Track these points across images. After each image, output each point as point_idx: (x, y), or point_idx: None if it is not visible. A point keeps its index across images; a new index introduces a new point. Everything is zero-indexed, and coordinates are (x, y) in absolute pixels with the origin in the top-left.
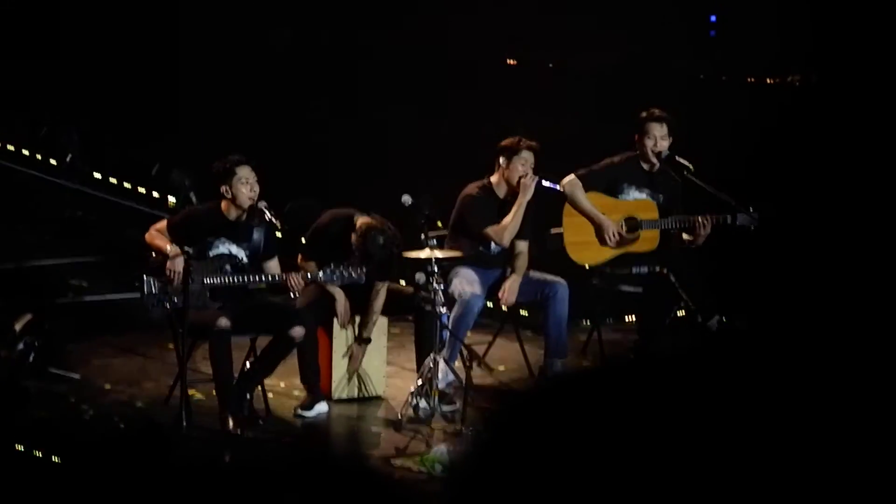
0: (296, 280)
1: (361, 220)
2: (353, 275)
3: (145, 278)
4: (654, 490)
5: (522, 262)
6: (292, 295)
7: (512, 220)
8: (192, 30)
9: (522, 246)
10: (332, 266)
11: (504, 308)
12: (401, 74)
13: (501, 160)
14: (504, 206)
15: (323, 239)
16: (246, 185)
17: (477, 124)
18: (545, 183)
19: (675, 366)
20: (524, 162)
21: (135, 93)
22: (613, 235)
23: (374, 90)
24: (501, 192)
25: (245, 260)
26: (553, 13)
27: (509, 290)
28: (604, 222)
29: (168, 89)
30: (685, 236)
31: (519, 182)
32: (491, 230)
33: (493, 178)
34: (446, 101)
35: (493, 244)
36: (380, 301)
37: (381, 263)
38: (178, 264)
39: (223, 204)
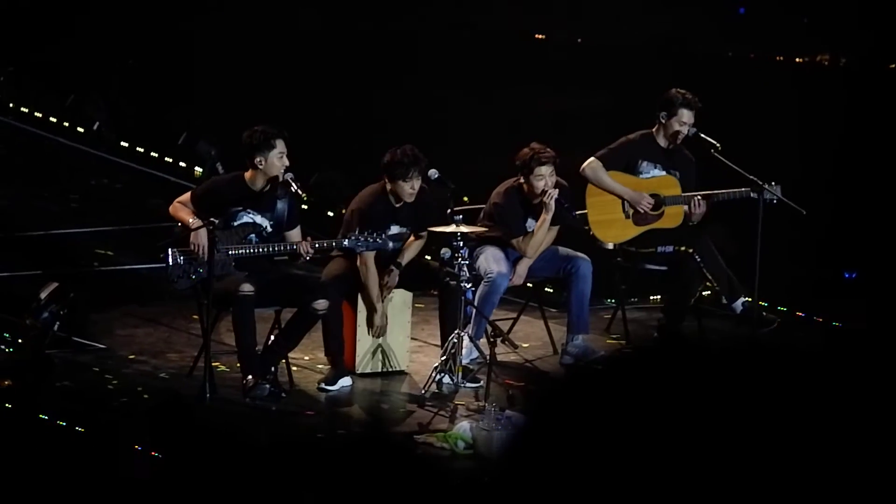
0: (305, 248)
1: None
2: (379, 240)
3: (170, 251)
4: (688, 473)
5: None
6: (301, 260)
7: (536, 235)
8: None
9: None
10: (356, 232)
11: (528, 284)
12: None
13: (521, 177)
14: (533, 207)
15: (373, 220)
16: (281, 160)
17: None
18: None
19: (709, 350)
20: (540, 177)
21: (163, 61)
22: (647, 204)
23: (396, 67)
24: (531, 195)
25: (269, 229)
26: None
27: (519, 276)
28: (633, 196)
29: (197, 59)
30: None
31: (542, 196)
32: (516, 242)
33: (524, 184)
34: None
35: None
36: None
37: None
38: (202, 237)
39: (248, 174)
